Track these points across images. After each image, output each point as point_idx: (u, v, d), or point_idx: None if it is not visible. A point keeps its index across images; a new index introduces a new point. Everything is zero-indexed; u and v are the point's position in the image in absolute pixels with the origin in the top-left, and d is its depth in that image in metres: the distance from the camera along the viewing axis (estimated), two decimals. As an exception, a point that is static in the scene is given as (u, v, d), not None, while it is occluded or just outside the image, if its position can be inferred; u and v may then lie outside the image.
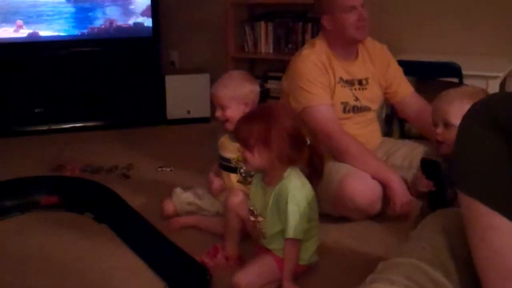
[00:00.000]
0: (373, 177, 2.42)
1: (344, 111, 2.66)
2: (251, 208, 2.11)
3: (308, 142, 2.04)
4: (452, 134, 1.50)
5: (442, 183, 1.76)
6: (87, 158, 3.48)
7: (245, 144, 1.98)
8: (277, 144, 1.94)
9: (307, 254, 2.06)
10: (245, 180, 2.46)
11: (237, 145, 2.43)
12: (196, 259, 2.19)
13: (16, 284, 2.13)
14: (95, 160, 3.43)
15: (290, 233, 1.95)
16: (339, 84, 2.65)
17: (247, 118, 2.01)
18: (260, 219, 2.08)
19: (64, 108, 4.20)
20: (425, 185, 1.71)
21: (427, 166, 1.75)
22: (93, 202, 2.75)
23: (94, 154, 3.60)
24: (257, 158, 1.98)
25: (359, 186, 2.38)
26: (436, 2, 3.67)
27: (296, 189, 1.98)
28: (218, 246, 2.26)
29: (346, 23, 2.60)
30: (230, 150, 2.45)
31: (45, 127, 4.13)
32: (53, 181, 2.95)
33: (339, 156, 2.54)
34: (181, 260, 2.21)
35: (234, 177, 2.47)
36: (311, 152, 2.06)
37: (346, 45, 2.66)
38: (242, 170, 2.43)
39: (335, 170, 2.48)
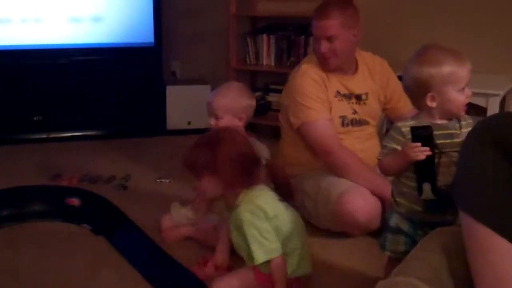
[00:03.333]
0: (373, 193, 2.41)
1: (343, 124, 2.65)
2: None
3: (264, 161, 2.00)
4: None
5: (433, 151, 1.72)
6: (85, 167, 3.46)
7: (194, 173, 1.97)
8: (225, 172, 1.91)
9: (289, 268, 2.02)
10: None
11: None
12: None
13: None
14: (93, 170, 3.41)
15: (256, 259, 1.93)
16: (336, 98, 2.65)
17: (194, 147, 1.97)
18: None
19: (63, 116, 4.18)
20: (422, 150, 1.67)
21: (418, 132, 1.70)
22: (91, 213, 2.73)
23: (93, 164, 3.59)
24: (207, 187, 1.97)
25: (359, 201, 2.36)
26: (437, 18, 3.67)
27: (250, 213, 1.94)
28: (207, 258, 2.25)
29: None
30: None
31: (43, 135, 4.11)
32: (50, 191, 2.93)
33: (338, 171, 2.53)
34: (178, 273, 2.20)
35: None
36: (271, 170, 2.04)
37: None
38: None
39: (334, 185, 2.47)
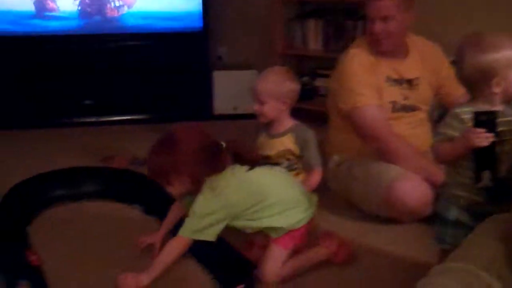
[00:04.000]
0: (424, 179, 2.38)
1: (393, 110, 2.62)
2: None
3: (223, 144, 2.01)
4: None
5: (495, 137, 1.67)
6: (134, 150, 3.52)
7: (159, 179, 1.97)
8: (189, 169, 1.92)
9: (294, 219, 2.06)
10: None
11: (275, 141, 2.45)
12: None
13: (66, 272, 2.17)
14: (142, 153, 3.45)
15: (182, 231, 1.99)
16: (386, 83, 2.62)
17: (152, 155, 1.96)
18: None
19: (113, 101, 4.27)
20: (486, 136, 1.62)
21: (482, 117, 1.65)
22: (141, 194, 2.78)
23: (141, 147, 3.61)
24: (177, 187, 1.98)
25: (410, 188, 2.35)
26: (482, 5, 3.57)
27: (204, 198, 1.97)
28: (251, 239, 2.25)
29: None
30: (269, 147, 2.46)
31: (93, 119, 4.20)
32: (103, 172, 2.99)
33: (388, 157, 2.51)
34: (227, 253, 2.22)
35: None
36: (233, 150, 2.02)
37: None
38: (284, 165, 2.43)
39: (385, 171, 2.45)
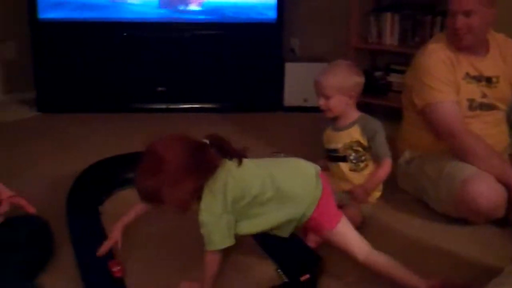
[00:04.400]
0: (499, 180, 2.32)
1: (470, 108, 2.56)
2: None
3: (206, 141, 1.89)
4: None
5: None
6: (203, 138, 3.57)
7: (157, 201, 1.85)
8: (183, 183, 1.80)
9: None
10: (357, 167, 2.45)
11: (341, 133, 2.43)
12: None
13: (134, 253, 2.23)
14: (212, 141, 3.51)
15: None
16: (464, 80, 2.55)
17: (142, 179, 1.84)
18: None
19: (185, 89, 4.33)
20: None
21: None
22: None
23: (212, 135, 3.69)
24: (174, 204, 1.85)
25: (484, 188, 2.28)
26: None
27: (206, 214, 1.89)
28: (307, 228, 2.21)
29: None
30: (336, 140, 2.46)
31: (164, 106, 4.29)
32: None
33: (462, 156, 2.45)
34: (293, 244, 2.22)
35: (344, 166, 2.48)
36: (217, 144, 1.91)
37: None
38: (351, 157, 2.42)
39: (458, 170, 2.39)
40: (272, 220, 1.94)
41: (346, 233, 1.98)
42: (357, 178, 2.50)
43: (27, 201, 1.73)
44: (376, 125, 2.46)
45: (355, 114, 2.46)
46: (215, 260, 1.92)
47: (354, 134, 2.44)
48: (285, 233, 1.99)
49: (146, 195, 1.86)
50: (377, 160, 2.45)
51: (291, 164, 2.07)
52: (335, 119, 2.49)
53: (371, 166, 2.46)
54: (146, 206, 2.07)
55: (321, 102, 2.42)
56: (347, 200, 2.43)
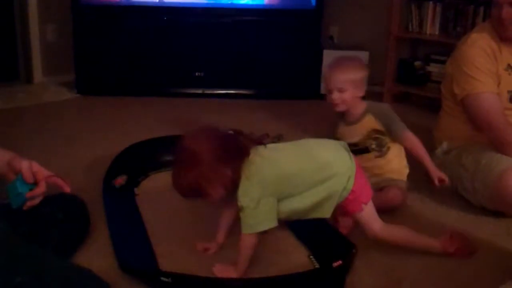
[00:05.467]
0: (536, 173, 2.27)
1: (511, 100, 2.52)
2: None
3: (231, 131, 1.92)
4: None
5: None
6: (239, 124, 3.56)
7: (196, 196, 1.89)
8: (219, 174, 1.83)
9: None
10: (381, 152, 2.46)
11: (355, 127, 2.43)
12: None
13: (167, 234, 2.27)
14: (247, 127, 3.50)
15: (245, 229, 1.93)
16: (506, 72, 2.52)
17: (176, 177, 1.87)
18: None
19: (222, 74, 4.35)
20: None
21: None
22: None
23: (247, 121, 3.70)
24: (215, 195, 1.88)
25: (521, 181, 2.24)
26: None
27: (245, 198, 1.89)
28: (337, 216, 2.23)
29: (492, 16, 2.53)
30: (351, 134, 2.47)
31: (200, 91, 4.31)
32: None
33: (501, 147, 2.42)
34: (326, 230, 2.23)
35: (368, 156, 2.47)
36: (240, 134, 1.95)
37: None
38: (373, 146, 2.42)
39: (496, 162, 2.36)
40: (314, 196, 1.96)
41: (371, 208, 2.04)
42: (383, 163, 2.50)
43: (64, 181, 1.76)
44: (385, 107, 2.51)
45: (362, 104, 2.48)
46: (251, 243, 1.94)
47: (369, 123, 2.45)
48: (327, 212, 2.00)
49: (186, 192, 1.89)
50: (398, 139, 2.44)
51: (322, 141, 2.12)
52: (343, 114, 2.49)
53: (393, 147, 2.47)
54: (231, 212, 2.10)
55: (335, 96, 2.42)
56: (383, 183, 2.46)
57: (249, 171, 1.89)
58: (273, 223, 1.94)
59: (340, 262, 1.92)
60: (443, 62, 2.84)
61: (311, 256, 2.12)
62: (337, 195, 1.97)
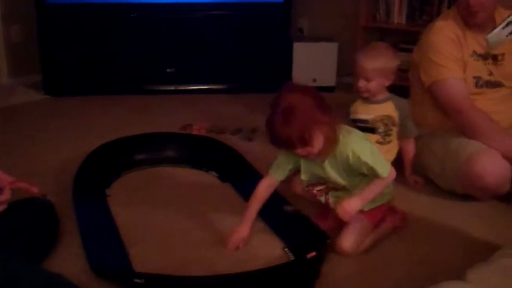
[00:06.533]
0: (504, 156, 2.31)
1: (477, 86, 2.55)
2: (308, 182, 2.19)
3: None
4: None
5: None
6: (212, 119, 3.58)
7: (302, 143, 1.92)
8: (319, 122, 1.90)
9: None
10: (384, 140, 2.47)
11: (374, 106, 2.44)
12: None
13: (140, 235, 2.26)
14: (220, 122, 3.52)
15: (382, 173, 2.01)
16: (472, 58, 2.55)
17: (280, 126, 1.90)
18: (321, 187, 2.20)
19: (194, 70, 4.32)
20: None
21: None
22: (218, 161, 2.84)
23: (220, 116, 3.70)
24: (317, 145, 1.94)
25: (489, 164, 2.28)
26: None
27: (355, 143, 2.01)
28: (325, 209, 2.25)
29: (459, 5, 2.55)
30: (367, 111, 2.48)
31: (173, 87, 4.28)
32: (182, 139, 3.07)
33: (469, 132, 2.45)
34: (301, 223, 2.24)
35: (372, 137, 2.46)
36: None
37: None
38: (380, 130, 2.43)
39: (464, 146, 2.40)
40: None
41: (367, 230, 2.14)
42: (381, 151, 2.51)
43: (28, 183, 1.74)
44: (407, 105, 2.51)
45: (386, 93, 2.49)
46: (384, 186, 2.06)
47: (388, 108, 2.46)
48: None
49: (294, 139, 1.90)
50: (404, 138, 2.52)
51: None
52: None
53: (394, 142, 2.49)
54: (271, 185, 2.17)
55: (361, 84, 2.43)
56: None
57: (347, 131, 2.03)
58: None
59: (314, 253, 1.93)
60: (410, 51, 2.86)
61: (286, 249, 2.13)
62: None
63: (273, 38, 4.28)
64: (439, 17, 2.73)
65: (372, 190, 2.04)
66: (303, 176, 2.15)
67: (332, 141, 1.97)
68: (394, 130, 2.47)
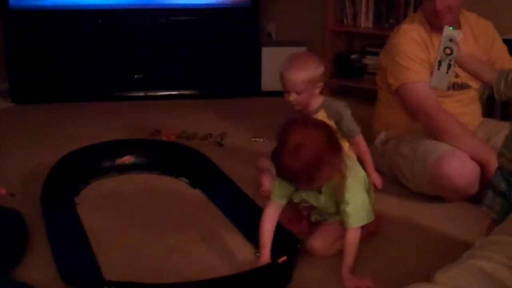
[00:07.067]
0: (472, 158, 2.34)
1: (443, 88, 2.58)
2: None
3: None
4: None
5: None
6: (182, 125, 3.56)
7: (307, 181, 1.90)
8: (330, 161, 1.88)
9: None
10: None
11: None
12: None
13: (111, 243, 2.23)
14: (190, 128, 3.50)
15: (351, 224, 1.97)
16: None
17: (293, 156, 1.85)
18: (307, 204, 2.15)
19: (162, 75, 4.29)
20: None
21: None
22: (188, 167, 2.82)
23: (189, 122, 3.68)
24: (322, 180, 1.93)
25: (457, 166, 2.31)
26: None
27: (358, 184, 2.01)
28: (298, 213, 2.26)
29: (425, 9, 2.57)
30: None
31: (142, 93, 4.25)
32: (150, 145, 3.04)
33: (437, 134, 2.47)
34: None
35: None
36: None
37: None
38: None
39: (432, 148, 2.42)
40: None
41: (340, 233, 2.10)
42: None
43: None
44: (340, 106, 2.47)
45: (319, 99, 2.46)
46: (358, 236, 1.98)
47: (321, 118, 2.45)
48: None
49: (299, 173, 1.86)
50: (350, 138, 2.48)
51: None
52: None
53: (344, 143, 2.49)
54: (277, 209, 2.07)
55: (292, 98, 2.39)
56: None
57: (349, 169, 1.98)
58: (373, 216, 2.04)
59: (285, 257, 1.93)
60: (378, 54, 2.89)
61: (258, 254, 2.11)
62: None
63: (242, 43, 4.28)
64: (405, 20, 2.76)
65: (351, 252, 1.97)
66: (295, 199, 2.11)
67: (335, 179, 1.96)
68: (339, 135, 2.47)
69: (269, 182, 2.52)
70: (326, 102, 2.46)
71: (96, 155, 2.86)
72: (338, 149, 1.92)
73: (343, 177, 1.95)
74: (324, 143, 1.86)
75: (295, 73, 2.37)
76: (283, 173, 1.91)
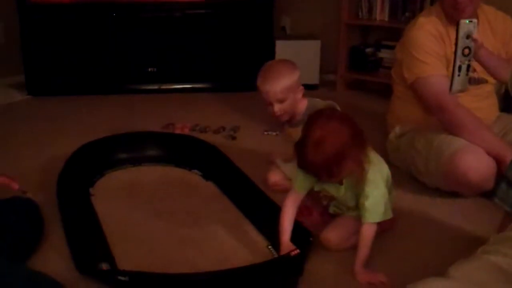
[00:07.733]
0: (488, 153, 2.31)
1: (460, 82, 2.56)
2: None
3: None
4: None
5: None
6: (195, 118, 3.57)
7: (328, 175, 1.88)
8: (353, 157, 1.85)
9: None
10: None
11: (298, 129, 2.41)
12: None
13: (124, 234, 2.24)
14: (203, 121, 3.51)
15: (368, 218, 1.96)
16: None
17: (315, 149, 1.82)
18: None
19: (176, 69, 4.31)
20: None
21: None
22: (201, 160, 2.83)
23: (203, 115, 3.69)
24: (342, 176, 1.93)
25: (473, 161, 2.28)
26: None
27: (380, 177, 2.00)
28: (309, 205, 2.25)
29: (444, 1, 2.53)
30: (297, 135, 2.44)
31: (155, 87, 4.27)
32: (165, 138, 3.05)
33: (452, 129, 2.44)
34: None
35: None
36: None
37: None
38: None
39: (447, 143, 2.39)
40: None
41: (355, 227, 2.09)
42: None
43: (9, 178, 1.72)
44: (322, 105, 2.43)
45: (303, 103, 2.42)
46: (374, 232, 1.97)
47: None
48: None
49: (321, 168, 1.85)
50: None
51: None
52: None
53: None
54: (298, 198, 2.06)
55: (276, 108, 2.37)
56: None
57: (373, 164, 1.96)
58: (391, 214, 2.05)
59: (298, 250, 1.93)
60: (393, 48, 2.87)
61: (270, 246, 2.12)
62: None
63: (256, 36, 4.28)
64: (422, 13, 2.72)
65: (365, 246, 1.95)
66: (316, 188, 2.09)
67: (357, 174, 1.93)
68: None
69: (275, 177, 2.52)
70: (309, 107, 2.41)
71: (111, 147, 2.87)
72: (362, 145, 1.89)
73: (366, 172, 1.93)
74: (348, 138, 1.83)
75: (272, 83, 2.34)
76: (305, 165, 1.90)
